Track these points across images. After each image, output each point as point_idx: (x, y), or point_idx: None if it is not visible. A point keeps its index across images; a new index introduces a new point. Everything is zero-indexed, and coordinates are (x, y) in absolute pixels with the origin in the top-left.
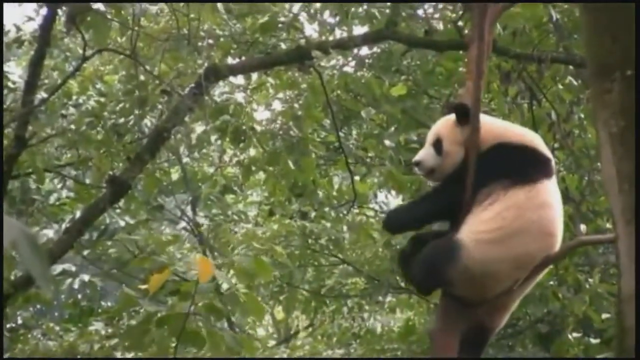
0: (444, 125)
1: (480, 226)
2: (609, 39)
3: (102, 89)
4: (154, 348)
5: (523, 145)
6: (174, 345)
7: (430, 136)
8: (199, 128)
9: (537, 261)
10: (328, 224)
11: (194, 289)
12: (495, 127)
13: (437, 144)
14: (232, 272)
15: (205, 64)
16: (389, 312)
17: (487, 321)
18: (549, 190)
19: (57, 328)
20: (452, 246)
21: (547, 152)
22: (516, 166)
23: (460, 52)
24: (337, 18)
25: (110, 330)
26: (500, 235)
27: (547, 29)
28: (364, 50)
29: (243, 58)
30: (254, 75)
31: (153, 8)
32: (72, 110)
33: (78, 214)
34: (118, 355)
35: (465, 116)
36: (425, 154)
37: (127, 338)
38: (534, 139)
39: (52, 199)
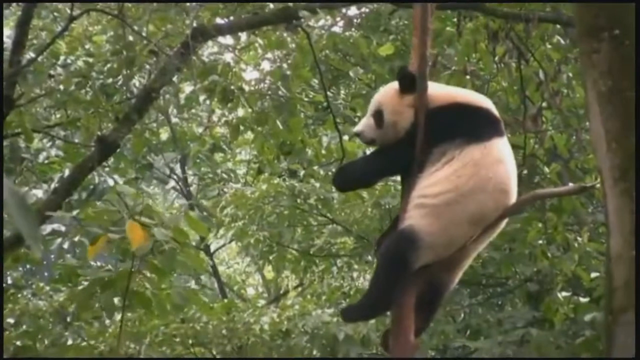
0: (385, 94)
1: (437, 187)
2: None
3: (90, 50)
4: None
5: (474, 105)
6: (121, 306)
7: (372, 106)
8: (188, 88)
9: (492, 218)
10: (317, 184)
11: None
12: (443, 89)
13: (378, 115)
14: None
15: (194, 24)
16: None
17: (441, 279)
18: (502, 147)
19: (47, 288)
20: (406, 238)
21: (497, 113)
22: (469, 124)
23: (449, 11)
24: None
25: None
26: (456, 196)
27: None
28: (352, 10)
29: (231, 18)
30: (243, 36)
31: None
32: (60, 70)
33: (67, 173)
34: None
35: (410, 85)
36: (364, 125)
37: (75, 301)
38: (485, 101)
39: (41, 157)
